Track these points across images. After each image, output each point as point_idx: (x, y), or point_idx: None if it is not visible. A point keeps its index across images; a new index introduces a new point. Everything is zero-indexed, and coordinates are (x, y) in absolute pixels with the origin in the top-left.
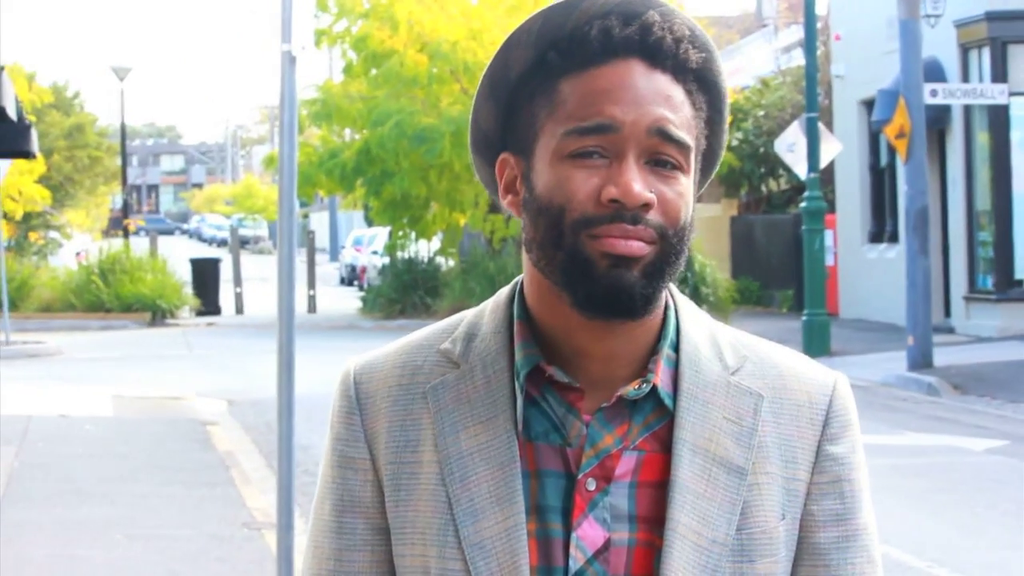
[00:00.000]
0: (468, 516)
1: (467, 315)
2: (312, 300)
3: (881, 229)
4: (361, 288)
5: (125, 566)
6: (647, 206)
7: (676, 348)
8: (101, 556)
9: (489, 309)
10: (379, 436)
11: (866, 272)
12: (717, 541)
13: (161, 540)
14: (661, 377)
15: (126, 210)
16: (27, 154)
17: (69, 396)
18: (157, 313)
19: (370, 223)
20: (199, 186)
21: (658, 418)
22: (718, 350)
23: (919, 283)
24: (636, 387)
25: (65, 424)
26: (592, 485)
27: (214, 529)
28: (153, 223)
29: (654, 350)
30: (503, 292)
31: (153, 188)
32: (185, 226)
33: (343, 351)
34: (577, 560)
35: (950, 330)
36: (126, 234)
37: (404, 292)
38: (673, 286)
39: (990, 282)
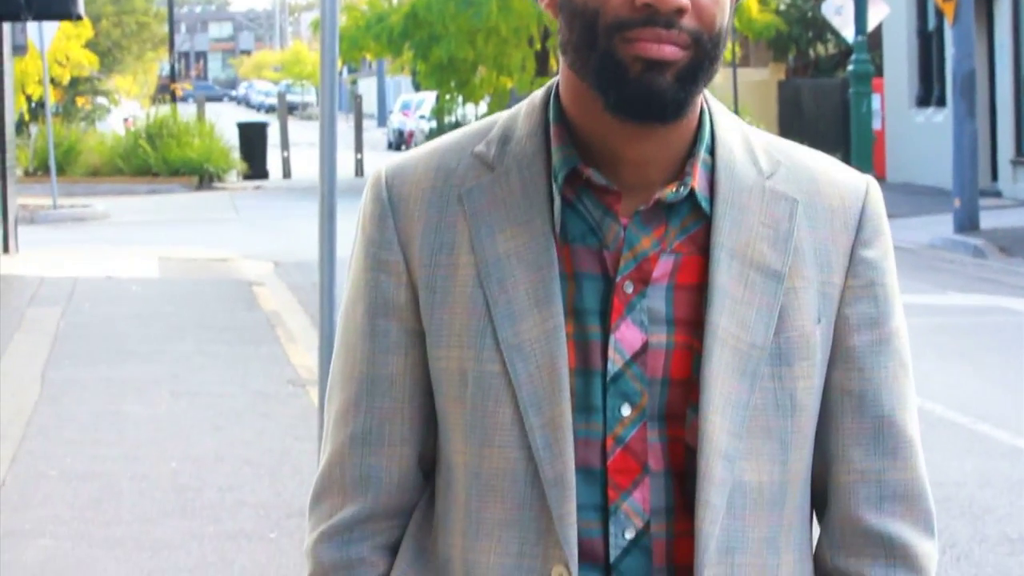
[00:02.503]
0: (506, 318)
1: (500, 118)
2: (359, 163)
3: (928, 93)
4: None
5: (170, 422)
6: (681, 11)
7: (711, 153)
8: (146, 412)
9: (524, 112)
10: (413, 239)
11: (913, 136)
12: (756, 345)
13: (206, 397)
14: (698, 181)
15: (173, 76)
16: (73, 15)
17: (115, 258)
18: (204, 177)
19: (417, 88)
20: (247, 53)
21: (695, 221)
22: (753, 155)
23: (966, 146)
24: (674, 190)
25: (111, 285)
26: (630, 288)
27: (259, 386)
28: (201, 89)
29: (690, 154)
30: (537, 95)
31: (201, 55)
32: (233, 93)
33: None
34: (615, 362)
35: (997, 194)
36: (173, 99)
37: None
38: (708, 91)
39: None
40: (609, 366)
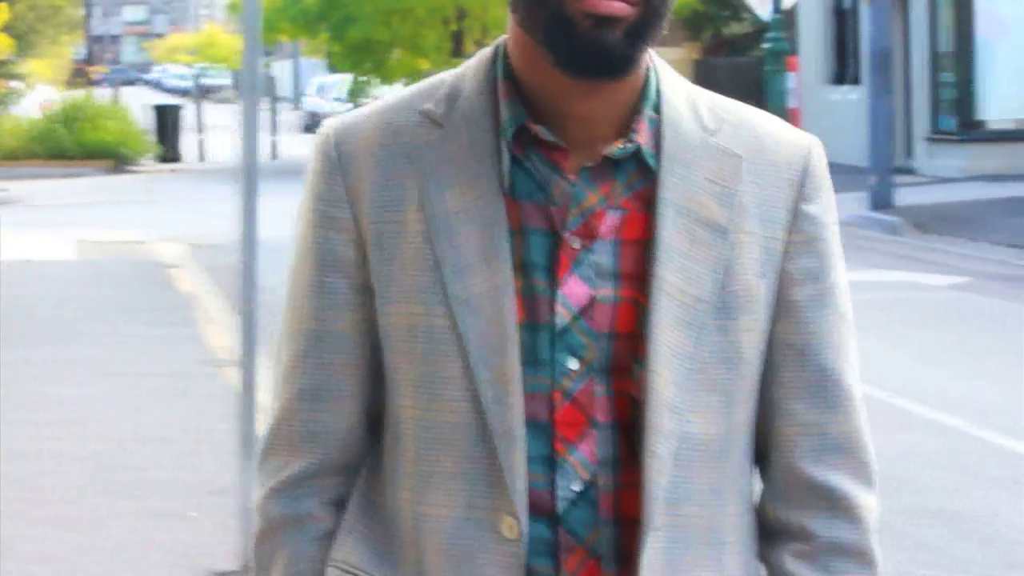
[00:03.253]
0: (455, 274)
1: (447, 77)
2: (274, 146)
3: (844, 71)
4: None
5: (90, 403)
6: None
7: (657, 110)
8: (67, 393)
9: (472, 70)
10: (362, 196)
11: (828, 114)
12: (701, 299)
13: (125, 378)
14: (644, 138)
15: (88, 60)
16: None
17: (33, 241)
18: (119, 160)
19: (333, 70)
20: (161, 36)
21: (640, 178)
22: (697, 113)
23: (880, 123)
24: (620, 146)
25: (29, 268)
26: (577, 243)
27: (177, 367)
28: (116, 73)
29: (636, 111)
30: (484, 53)
31: (115, 39)
32: (147, 76)
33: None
34: (563, 317)
35: (911, 171)
36: (89, 82)
37: None
38: (652, 50)
39: (952, 123)
40: (556, 320)
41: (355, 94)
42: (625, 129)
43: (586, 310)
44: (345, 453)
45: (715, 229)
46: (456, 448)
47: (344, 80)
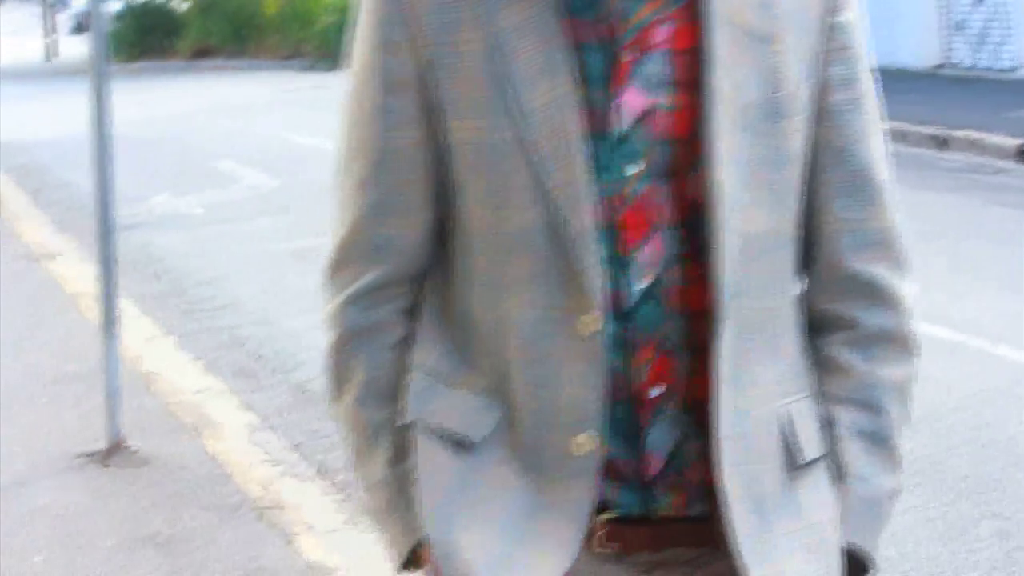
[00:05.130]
0: (517, 88)
1: None
2: (50, 47)
3: None
4: None
5: None
6: None
7: None
8: None
9: None
10: (420, 18)
11: None
12: (751, 103)
13: None
14: None
15: None
16: None
17: None
18: None
19: None
20: None
21: None
22: None
23: None
24: None
25: None
26: (631, 55)
27: None
28: None
29: None
30: None
31: None
32: None
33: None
34: (622, 125)
35: None
36: None
37: (143, 35)
38: None
39: None
40: (616, 129)
41: None
42: None
43: (644, 118)
44: (415, 263)
45: (758, 37)
46: (528, 253)
47: None
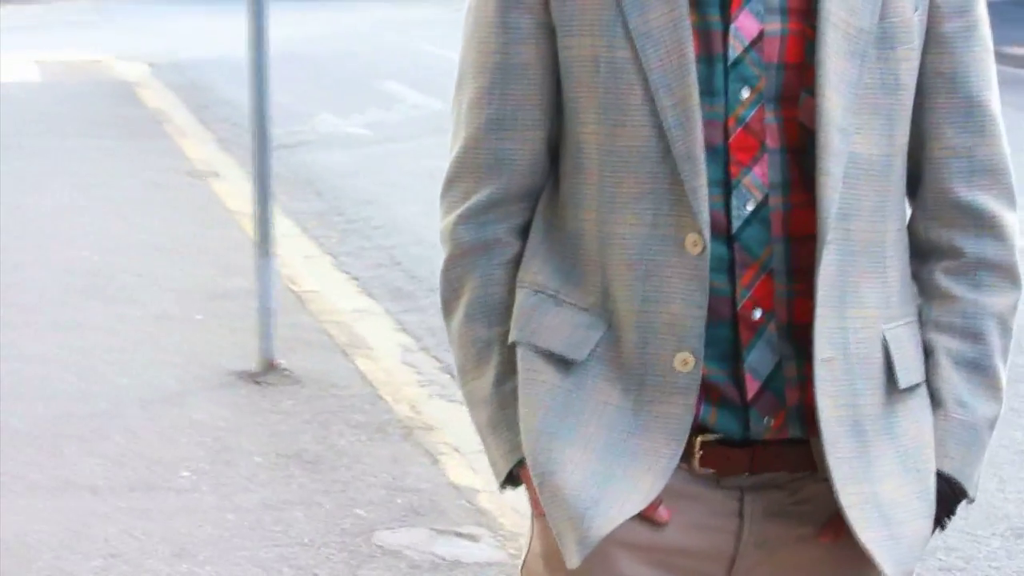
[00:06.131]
0: (635, 8)
1: None
2: None
3: None
4: None
5: (74, 214)
6: None
7: None
8: (48, 204)
9: None
10: None
11: None
12: (863, 29)
13: (104, 188)
14: None
15: None
16: None
17: None
18: None
19: None
20: None
21: None
22: None
23: None
24: None
25: None
26: None
27: (157, 178)
28: None
29: None
30: None
31: None
32: None
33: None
34: (735, 49)
35: None
36: None
37: None
38: None
39: None
40: (729, 52)
41: None
42: None
43: (757, 42)
44: (529, 180)
45: None
46: (639, 171)
47: None
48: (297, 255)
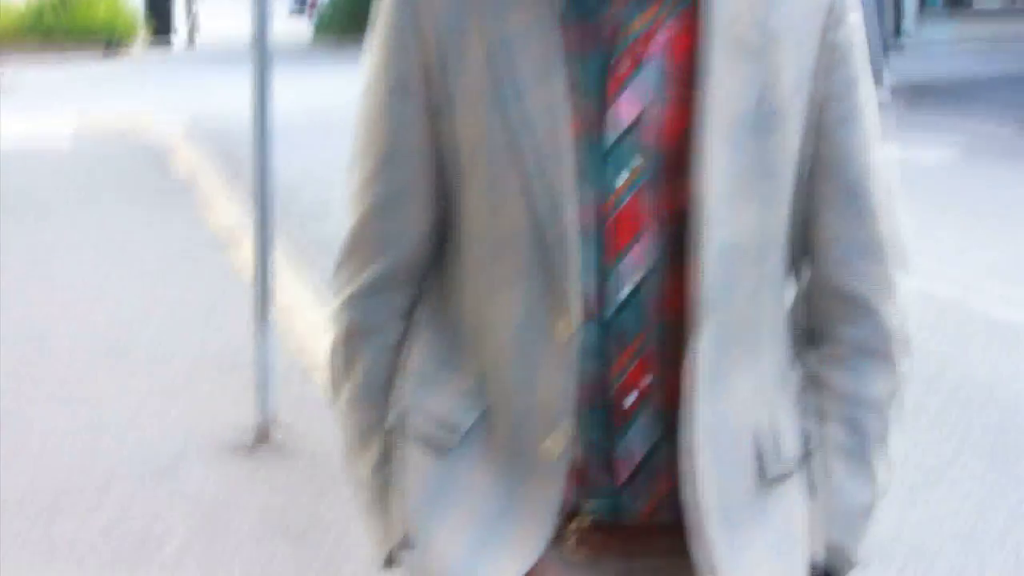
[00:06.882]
0: (513, 94)
1: None
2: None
3: None
4: (311, 19)
5: (96, 283)
6: None
7: None
8: (72, 273)
9: None
10: (429, 23)
11: None
12: (742, 114)
13: (128, 256)
14: None
15: None
16: None
17: (27, 126)
18: (111, 44)
19: None
20: None
21: (683, 3)
22: None
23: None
24: None
25: (28, 152)
26: (626, 64)
27: (180, 247)
28: None
29: None
30: None
31: None
32: None
33: (295, 78)
34: (614, 131)
35: (901, 48)
36: None
37: (359, 14)
38: None
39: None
40: (608, 135)
41: None
42: None
43: (635, 126)
44: (415, 262)
45: (751, 51)
46: (515, 256)
47: None
48: (307, 325)
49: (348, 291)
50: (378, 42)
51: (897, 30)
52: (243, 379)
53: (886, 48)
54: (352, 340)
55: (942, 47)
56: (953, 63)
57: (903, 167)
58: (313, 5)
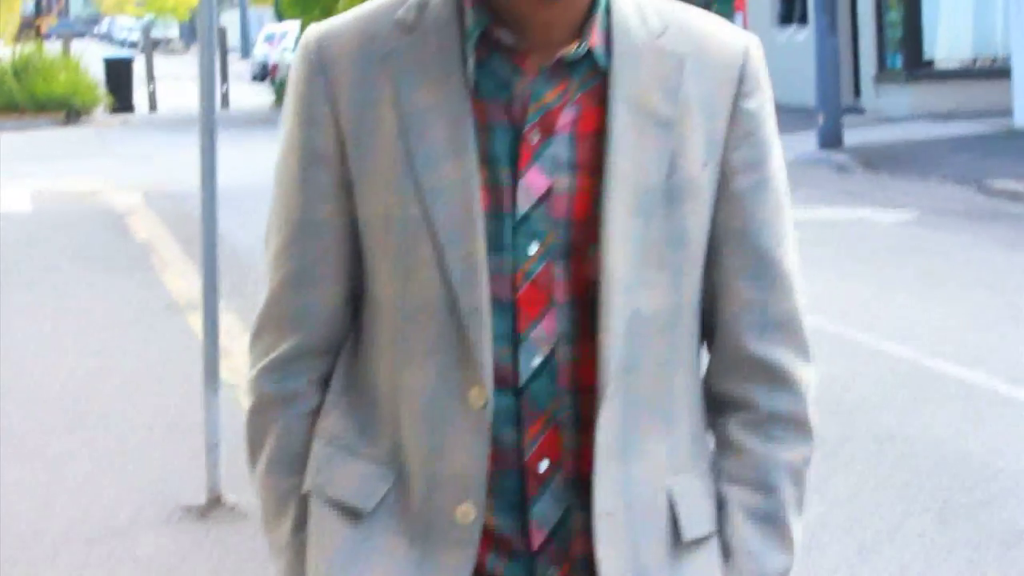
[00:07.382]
0: (426, 166)
1: None
2: (225, 96)
3: (791, 10)
4: (273, 84)
5: (53, 346)
6: None
7: (608, 14)
8: (30, 337)
9: None
10: (341, 96)
11: (776, 55)
12: (650, 186)
13: (85, 321)
14: (596, 40)
15: (38, 12)
16: None
17: None
18: (71, 112)
19: (280, 17)
20: None
21: (593, 77)
22: (644, 16)
23: (827, 62)
24: (574, 48)
25: None
26: (536, 137)
27: (135, 311)
28: (64, 26)
29: (589, 17)
30: None
31: None
32: (96, 29)
33: (257, 143)
34: (523, 205)
35: (860, 111)
36: (38, 35)
37: None
38: None
39: (899, 62)
40: (518, 208)
41: None
42: (580, 32)
43: (545, 198)
44: (329, 333)
45: (661, 122)
46: (428, 326)
47: (293, 28)
48: None
49: (263, 362)
50: (290, 112)
51: (856, 92)
52: (196, 442)
53: (844, 111)
54: (266, 410)
55: (901, 109)
56: (912, 126)
57: (862, 229)
58: (274, 71)
